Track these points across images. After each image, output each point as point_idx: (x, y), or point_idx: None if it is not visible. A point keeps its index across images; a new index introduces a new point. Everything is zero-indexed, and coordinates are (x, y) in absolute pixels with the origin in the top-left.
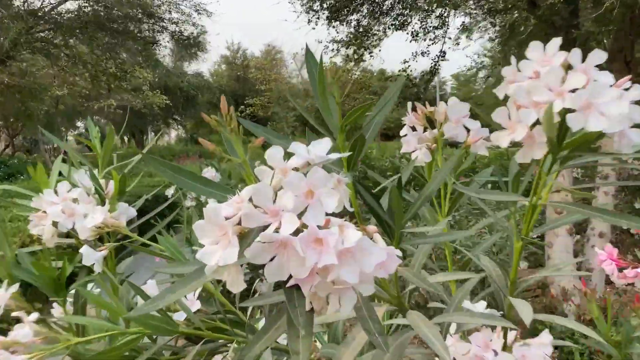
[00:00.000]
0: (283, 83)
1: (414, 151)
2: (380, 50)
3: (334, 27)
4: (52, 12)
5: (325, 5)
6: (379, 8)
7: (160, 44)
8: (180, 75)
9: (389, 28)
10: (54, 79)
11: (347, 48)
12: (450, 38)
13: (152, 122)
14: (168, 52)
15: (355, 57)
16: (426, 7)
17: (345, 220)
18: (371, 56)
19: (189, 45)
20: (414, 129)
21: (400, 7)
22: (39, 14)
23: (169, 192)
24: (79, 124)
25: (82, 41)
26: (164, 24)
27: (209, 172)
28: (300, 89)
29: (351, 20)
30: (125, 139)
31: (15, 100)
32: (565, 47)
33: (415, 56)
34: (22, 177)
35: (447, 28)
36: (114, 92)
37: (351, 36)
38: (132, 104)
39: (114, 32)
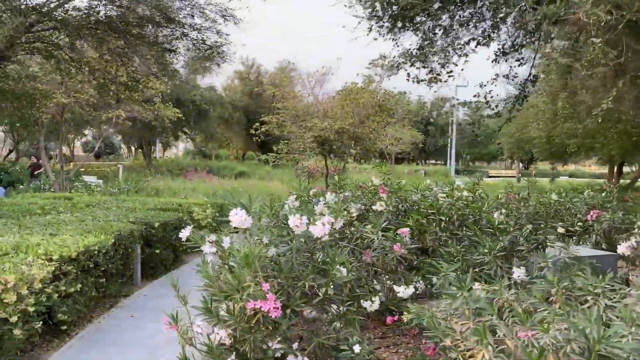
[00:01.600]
0: (300, 101)
1: None
2: (462, 70)
3: (394, 40)
4: (59, 10)
5: (391, 11)
6: (460, 16)
7: (180, 52)
8: (193, 88)
9: (467, 43)
10: (60, 85)
11: (412, 65)
12: (546, 58)
13: (161, 134)
14: (182, 63)
15: (430, 76)
16: (520, 17)
17: None
18: (450, 76)
19: (211, 56)
20: None
21: (488, 12)
22: (44, 9)
23: (184, 233)
24: (86, 131)
25: (90, 44)
26: (185, 30)
27: (238, 214)
28: (318, 108)
29: (426, 28)
30: (133, 149)
31: (12, 106)
32: None
33: (495, 79)
34: (21, 186)
35: (540, 46)
36: (123, 103)
37: (422, 50)
38: (143, 116)
39: (128, 35)
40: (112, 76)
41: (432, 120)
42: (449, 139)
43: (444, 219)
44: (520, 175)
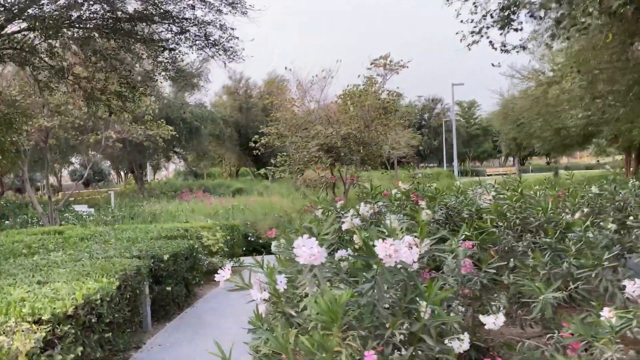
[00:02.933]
0: (299, 108)
1: None
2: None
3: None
4: (33, 7)
5: None
6: None
7: (180, 51)
8: (182, 105)
9: None
10: (42, 108)
11: (503, 26)
12: None
13: (151, 155)
14: (168, 82)
15: (551, 32)
16: None
17: None
18: (585, 28)
19: (217, 54)
20: None
21: None
22: (14, 8)
23: (223, 275)
24: (73, 159)
25: (72, 46)
26: (184, 25)
27: (309, 245)
28: (320, 115)
29: None
30: (123, 174)
31: None
32: None
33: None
34: (6, 221)
35: None
36: (115, 119)
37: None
38: (134, 136)
39: (117, 33)
40: (101, 85)
41: (424, 122)
42: (446, 140)
43: (501, 224)
44: (519, 171)
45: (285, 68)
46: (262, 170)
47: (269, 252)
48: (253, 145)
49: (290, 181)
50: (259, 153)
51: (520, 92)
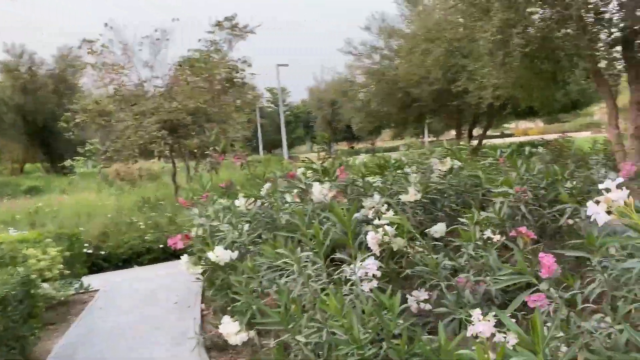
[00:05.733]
0: (130, 78)
1: None
2: None
3: None
4: None
5: None
6: None
7: None
8: None
9: None
10: None
11: None
12: None
13: None
14: None
15: None
16: None
17: None
18: None
19: None
20: None
21: None
22: None
23: None
24: None
25: None
26: None
27: None
28: (158, 85)
29: None
30: None
31: None
32: None
33: None
34: None
35: None
36: None
37: None
38: None
39: None
40: None
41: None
42: (262, 126)
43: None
44: (334, 153)
45: (106, 25)
46: (68, 162)
47: (118, 267)
48: (64, 125)
49: (98, 175)
50: (72, 134)
51: (362, 69)
